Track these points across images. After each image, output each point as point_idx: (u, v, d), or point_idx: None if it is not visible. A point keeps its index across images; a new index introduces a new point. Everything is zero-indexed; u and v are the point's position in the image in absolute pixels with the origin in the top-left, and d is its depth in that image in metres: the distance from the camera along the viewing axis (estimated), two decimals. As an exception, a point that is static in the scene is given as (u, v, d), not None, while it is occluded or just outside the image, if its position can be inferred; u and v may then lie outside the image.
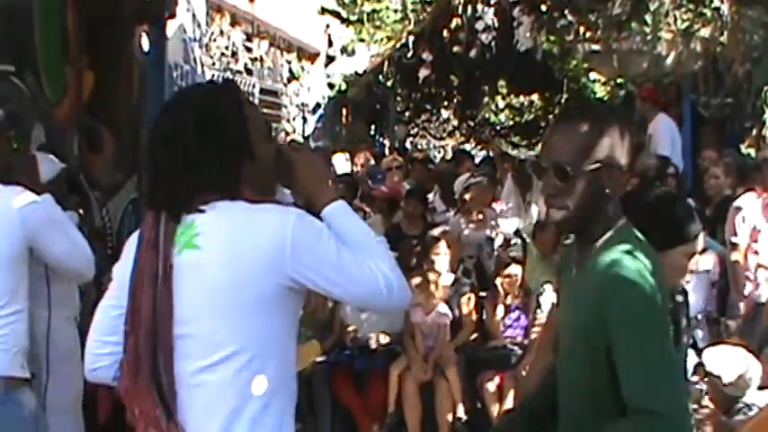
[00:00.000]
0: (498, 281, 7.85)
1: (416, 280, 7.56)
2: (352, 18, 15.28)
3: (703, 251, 7.88)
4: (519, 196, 10.29)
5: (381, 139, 16.69)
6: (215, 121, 2.57)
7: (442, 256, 7.81)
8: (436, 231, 8.46)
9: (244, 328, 2.50)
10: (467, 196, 9.28)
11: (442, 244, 7.89)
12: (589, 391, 2.60)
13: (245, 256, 2.46)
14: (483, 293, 8.10)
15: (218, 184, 2.55)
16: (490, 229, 9.13)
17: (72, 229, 4.38)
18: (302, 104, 16.66)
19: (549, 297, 7.63)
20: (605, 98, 15.87)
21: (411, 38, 13.69)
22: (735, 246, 7.63)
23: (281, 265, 2.47)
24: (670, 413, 2.38)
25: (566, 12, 11.57)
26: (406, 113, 18.71)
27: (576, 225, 2.70)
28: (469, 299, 7.84)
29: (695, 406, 5.71)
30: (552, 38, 12.87)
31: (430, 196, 11.02)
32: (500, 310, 7.83)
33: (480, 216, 9.17)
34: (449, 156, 18.22)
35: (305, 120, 16.61)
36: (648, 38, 10.69)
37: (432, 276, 7.69)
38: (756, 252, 7.49)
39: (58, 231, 4.26)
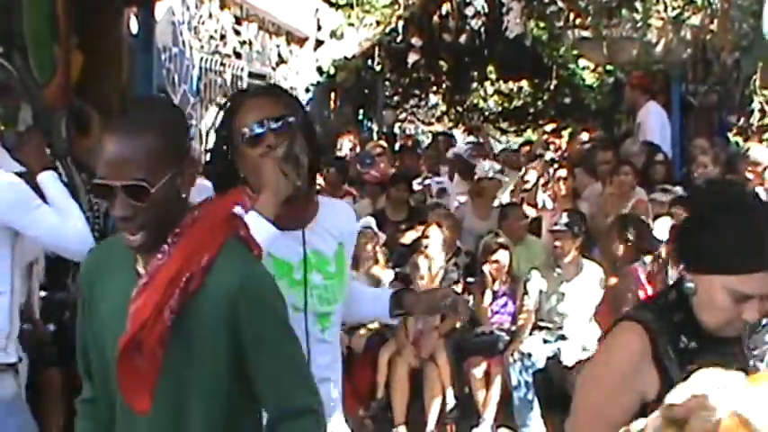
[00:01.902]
0: (486, 267, 7.86)
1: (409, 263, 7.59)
2: (342, 2, 15.24)
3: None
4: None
5: (370, 124, 16.67)
6: None
7: (434, 240, 7.81)
8: (433, 215, 8.51)
9: None
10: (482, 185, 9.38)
11: (434, 228, 7.89)
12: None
13: None
14: (470, 279, 8.11)
15: None
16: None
17: (65, 207, 4.34)
18: (291, 88, 16.60)
19: (536, 283, 7.65)
20: (594, 85, 15.85)
21: (400, 23, 13.67)
22: None
23: None
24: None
25: (555, -2, 11.57)
26: (395, 98, 18.69)
27: (155, 243, 2.46)
28: (457, 285, 7.85)
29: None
30: (542, 24, 12.87)
31: (444, 179, 11.08)
32: (487, 296, 7.84)
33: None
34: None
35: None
36: (638, 25, 10.69)
37: (422, 260, 7.70)
38: None
39: (34, 210, 4.21)
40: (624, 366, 2.50)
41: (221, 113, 3.09)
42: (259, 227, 2.78)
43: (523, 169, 10.99)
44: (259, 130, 2.90)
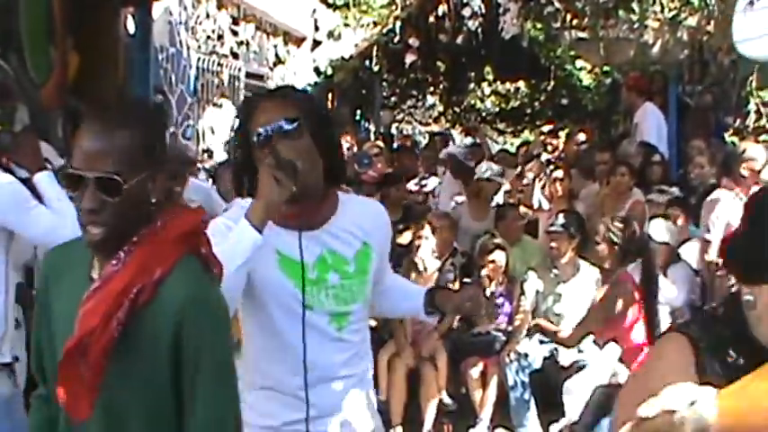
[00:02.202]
0: (483, 268, 7.86)
1: (404, 263, 7.59)
2: (339, 3, 15.24)
3: (686, 240, 7.90)
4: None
5: (367, 125, 16.67)
6: None
7: (428, 240, 7.82)
8: (431, 216, 8.52)
9: None
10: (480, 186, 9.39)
11: (426, 229, 7.90)
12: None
13: None
14: (467, 280, 8.11)
15: None
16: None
17: (61, 207, 4.34)
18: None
19: (532, 284, 7.65)
20: (591, 86, 15.85)
21: (398, 23, 13.66)
22: (707, 243, 7.57)
23: None
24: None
25: (552, -2, 11.57)
26: (392, 99, 18.69)
27: (114, 245, 2.44)
28: (453, 285, 7.85)
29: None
30: (538, 25, 12.85)
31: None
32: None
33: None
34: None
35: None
36: (635, 26, 10.69)
37: (418, 260, 7.71)
38: None
39: (30, 211, 4.22)
40: (666, 377, 2.28)
41: (238, 117, 3.14)
42: (244, 233, 2.84)
43: (519, 169, 11.00)
44: (265, 134, 2.93)
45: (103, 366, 2.38)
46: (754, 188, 7.52)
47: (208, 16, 13.03)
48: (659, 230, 7.44)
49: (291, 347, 3.04)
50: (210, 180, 10.62)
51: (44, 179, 4.47)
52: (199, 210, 2.63)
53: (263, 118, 2.97)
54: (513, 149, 15.90)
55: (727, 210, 7.38)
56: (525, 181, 10.27)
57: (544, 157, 12.01)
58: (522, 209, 9.39)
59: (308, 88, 15.74)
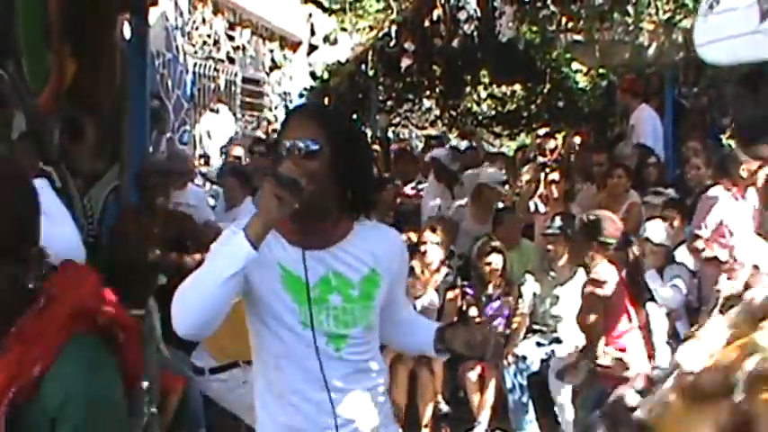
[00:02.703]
0: (480, 270, 7.87)
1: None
2: (335, 7, 15.23)
3: (682, 242, 7.91)
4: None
5: (363, 129, 16.68)
6: None
7: (430, 245, 7.84)
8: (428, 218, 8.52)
9: None
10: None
11: (429, 233, 7.92)
12: None
13: None
14: (465, 282, 8.12)
15: None
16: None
17: (55, 214, 4.35)
18: (284, 93, 16.63)
19: (530, 286, 7.67)
20: (587, 88, 15.87)
21: (393, 27, 13.67)
22: (697, 237, 7.54)
23: None
24: None
25: (548, 2, 11.57)
26: (388, 103, 18.69)
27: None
28: (453, 288, 7.88)
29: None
30: (534, 28, 12.86)
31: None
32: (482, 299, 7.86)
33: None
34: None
35: (287, 109, 16.59)
36: (630, 28, 10.71)
37: (420, 264, 7.72)
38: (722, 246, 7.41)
39: None
40: None
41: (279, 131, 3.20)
42: (240, 246, 2.85)
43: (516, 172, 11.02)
44: (285, 149, 2.99)
45: None
46: (751, 189, 7.55)
47: (204, 21, 13.04)
48: (656, 232, 7.46)
49: (296, 361, 3.09)
50: (209, 184, 10.64)
51: (39, 185, 4.47)
52: (92, 272, 2.41)
53: (289, 133, 3.03)
54: (510, 152, 15.92)
55: (722, 208, 7.40)
56: (519, 184, 10.28)
57: (540, 160, 12.03)
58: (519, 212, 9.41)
59: (305, 92, 15.79)
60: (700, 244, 7.42)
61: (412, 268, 7.69)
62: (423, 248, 7.81)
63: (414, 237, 8.13)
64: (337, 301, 3.09)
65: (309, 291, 3.05)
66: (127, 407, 2.29)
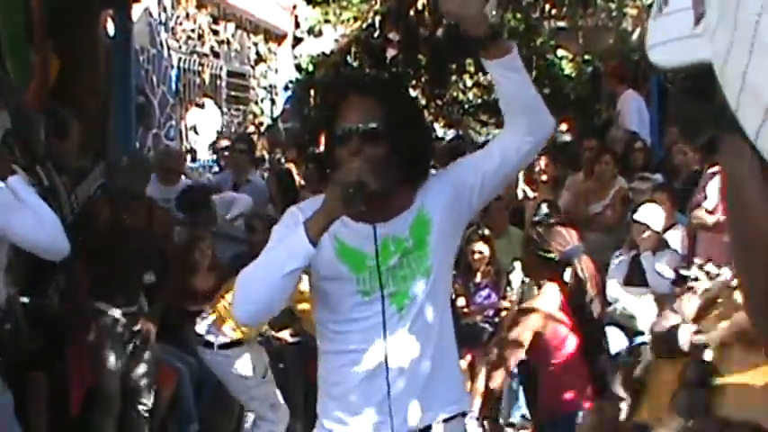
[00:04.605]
0: (468, 258, 7.89)
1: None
2: (319, -1, 15.25)
3: (671, 226, 7.93)
4: None
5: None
6: None
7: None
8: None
9: None
10: None
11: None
12: None
13: None
14: (453, 272, 8.12)
15: None
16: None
17: (35, 206, 4.34)
18: (270, 86, 16.61)
19: (518, 274, 7.68)
20: (573, 75, 15.90)
21: (378, 18, 13.67)
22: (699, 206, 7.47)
23: None
24: None
25: (531, -11, 11.62)
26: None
27: None
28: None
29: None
30: (518, 15, 12.89)
31: None
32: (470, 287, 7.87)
33: None
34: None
35: (273, 102, 16.57)
36: (614, 14, 10.73)
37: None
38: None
39: (14, 212, 4.23)
40: None
41: (325, 101, 3.10)
42: (300, 243, 2.85)
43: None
44: (347, 132, 2.96)
45: None
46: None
47: (188, 16, 13.01)
48: (649, 215, 7.45)
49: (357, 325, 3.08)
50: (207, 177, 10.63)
51: (19, 181, 4.46)
52: None
53: (349, 114, 2.99)
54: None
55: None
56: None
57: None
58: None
59: (290, 85, 15.77)
60: (703, 214, 7.35)
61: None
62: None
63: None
64: (395, 261, 3.07)
65: (368, 260, 3.05)
66: None
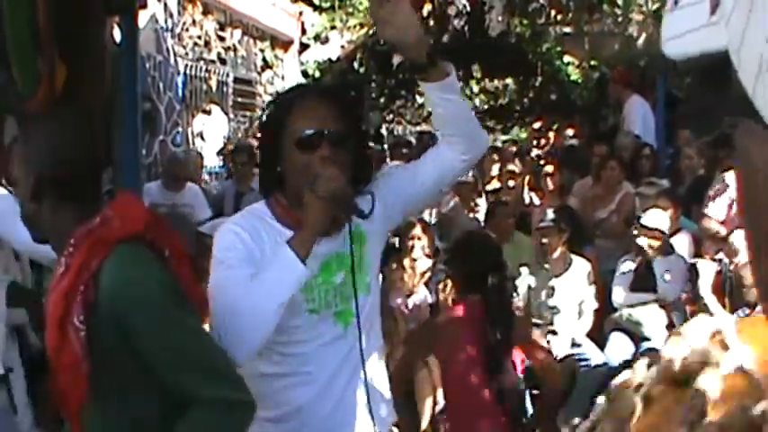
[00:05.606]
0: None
1: (394, 264, 7.60)
2: (325, 5, 15.26)
3: (677, 231, 7.92)
4: None
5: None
6: None
7: (419, 241, 7.84)
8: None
9: None
10: None
11: (418, 229, 7.92)
12: None
13: None
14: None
15: None
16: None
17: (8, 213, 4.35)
18: (276, 93, 16.65)
19: (525, 279, 7.68)
20: (579, 81, 15.90)
21: (384, 24, 13.69)
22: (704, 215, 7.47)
23: None
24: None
25: (537, -6, 11.64)
26: (381, 100, 18.72)
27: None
28: (446, 284, 7.87)
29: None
30: (524, 21, 12.90)
31: None
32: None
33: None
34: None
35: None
36: (619, 20, 10.74)
37: (409, 261, 7.72)
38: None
39: (18, 220, 4.24)
40: None
41: (275, 109, 3.02)
42: (293, 268, 2.75)
43: (509, 166, 11.03)
44: (310, 136, 2.84)
45: (84, 375, 2.49)
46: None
47: (194, 23, 13.03)
48: (656, 220, 7.45)
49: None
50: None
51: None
52: (140, 202, 2.81)
53: (310, 116, 2.88)
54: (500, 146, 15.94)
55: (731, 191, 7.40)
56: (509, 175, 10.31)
57: (534, 153, 12.05)
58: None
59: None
60: (709, 222, 7.34)
61: (401, 265, 7.68)
62: (410, 244, 7.81)
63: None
64: (341, 279, 2.99)
65: (328, 286, 2.98)
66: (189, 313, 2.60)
